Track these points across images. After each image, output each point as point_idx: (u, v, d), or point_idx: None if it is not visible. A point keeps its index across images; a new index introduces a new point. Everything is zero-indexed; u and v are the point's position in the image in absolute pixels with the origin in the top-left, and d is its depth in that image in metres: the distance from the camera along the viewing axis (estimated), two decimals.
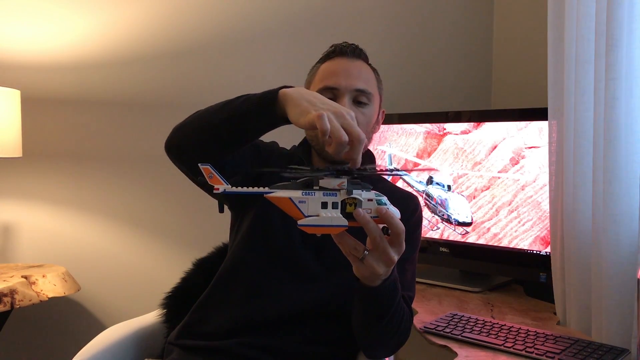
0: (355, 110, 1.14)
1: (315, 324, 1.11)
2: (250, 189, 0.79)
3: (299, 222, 0.80)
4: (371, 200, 0.83)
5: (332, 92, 1.14)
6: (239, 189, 0.79)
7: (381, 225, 0.84)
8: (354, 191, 0.82)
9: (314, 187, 0.81)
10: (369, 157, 1.28)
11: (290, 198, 0.79)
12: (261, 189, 0.79)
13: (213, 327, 1.13)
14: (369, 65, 1.22)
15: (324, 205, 0.80)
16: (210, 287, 1.18)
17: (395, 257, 0.87)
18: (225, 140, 1.00)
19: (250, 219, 1.16)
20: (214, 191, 0.79)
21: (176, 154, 1.05)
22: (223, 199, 1.08)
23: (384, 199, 0.84)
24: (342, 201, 0.81)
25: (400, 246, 0.86)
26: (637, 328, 1.09)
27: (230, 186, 0.79)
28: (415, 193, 1.74)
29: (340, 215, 0.81)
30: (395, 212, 0.84)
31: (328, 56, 1.20)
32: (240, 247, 1.16)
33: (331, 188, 0.81)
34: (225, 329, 1.11)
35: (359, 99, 1.15)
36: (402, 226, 0.84)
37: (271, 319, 1.10)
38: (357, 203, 0.81)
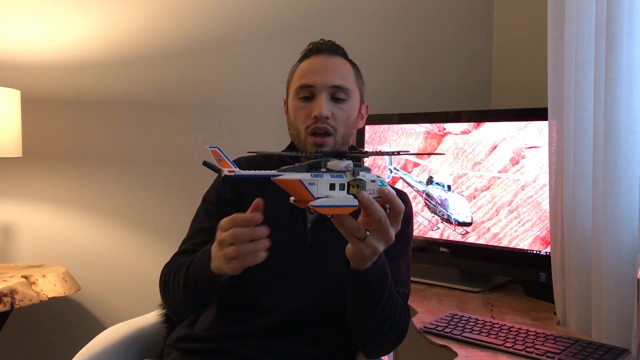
0: (333, 107, 1.14)
1: (313, 326, 1.11)
2: (259, 172, 0.79)
3: (312, 203, 0.80)
4: (374, 181, 0.86)
5: (309, 90, 1.14)
6: (248, 172, 0.79)
7: None
8: (360, 173, 0.84)
9: (321, 170, 0.82)
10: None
11: (300, 180, 0.80)
12: (269, 172, 0.80)
13: (211, 328, 1.13)
14: (348, 60, 1.21)
15: (332, 186, 0.82)
16: None
17: (394, 236, 0.89)
18: (200, 302, 1.08)
19: None
20: (224, 174, 0.78)
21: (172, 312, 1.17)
22: (226, 203, 1.11)
23: (383, 179, 0.87)
24: (347, 183, 0.83)
25: (398, 224, 0.89)
26: (637, 328, 1.09)
27: (238, 169, 0.78)
28: (415, 193, 1.74)
29: (350, 196, 0.83)
30: (392, 191, 0.88)
31: (305, 55, 1.20)
32: None
33: (338, 170, 0.83)
34: (223, 330, 1.11)
35: (336, 96, 1.15)
36: (402, 205, 0.88)
37: (269, 322, 1.10)
38: (360, 184, 0.84)
